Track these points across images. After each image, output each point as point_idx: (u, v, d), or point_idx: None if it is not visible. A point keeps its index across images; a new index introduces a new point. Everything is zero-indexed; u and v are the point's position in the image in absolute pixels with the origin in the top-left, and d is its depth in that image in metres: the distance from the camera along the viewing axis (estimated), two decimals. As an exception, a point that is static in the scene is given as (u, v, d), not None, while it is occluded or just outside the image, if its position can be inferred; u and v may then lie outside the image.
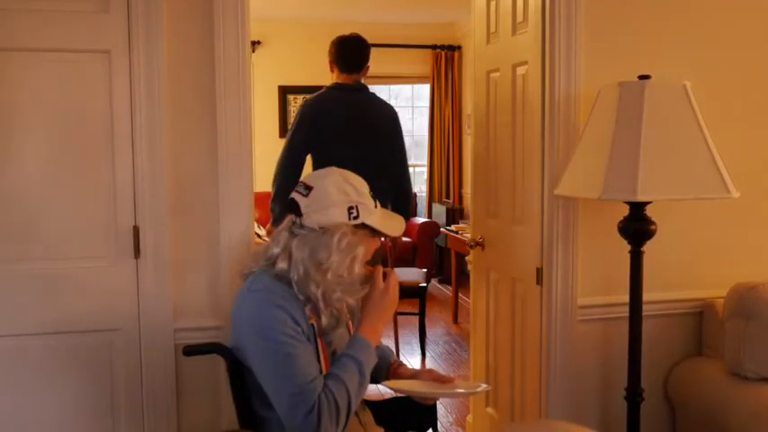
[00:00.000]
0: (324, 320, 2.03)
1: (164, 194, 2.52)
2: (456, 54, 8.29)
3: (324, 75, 7.34)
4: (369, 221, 2.03)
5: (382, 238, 2.15)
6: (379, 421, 2.26)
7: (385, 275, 2.09)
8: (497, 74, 3.27)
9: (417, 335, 5.62)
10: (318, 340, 2.01)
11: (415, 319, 5.68)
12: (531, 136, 2.94)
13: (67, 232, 2.49)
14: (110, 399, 2.56)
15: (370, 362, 2.01)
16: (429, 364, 5.22)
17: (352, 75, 3.80)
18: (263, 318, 1.93)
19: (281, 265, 1.99)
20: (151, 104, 2.48)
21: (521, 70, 3.02)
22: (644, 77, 2.48)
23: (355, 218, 2.00)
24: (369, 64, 3.84)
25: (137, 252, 2.52)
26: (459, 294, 6.55)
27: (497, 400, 3.39)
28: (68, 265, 2.49)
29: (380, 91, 8.87)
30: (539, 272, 2.90)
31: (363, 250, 2.02)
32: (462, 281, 6.63)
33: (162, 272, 2.54)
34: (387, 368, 2.31)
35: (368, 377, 2.00)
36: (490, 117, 3.37)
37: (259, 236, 5.13)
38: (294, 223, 2.03)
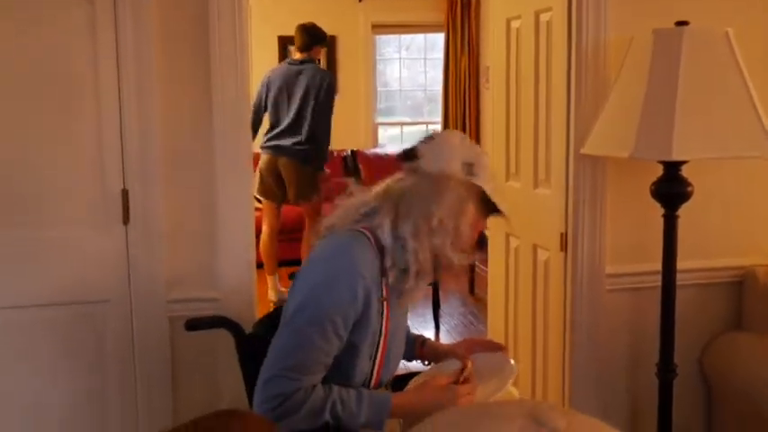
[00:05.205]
0: (403, 284, 1.97)
1: (155, 155, 2.51)
2: (473, 0, 8.18)
3: (330, 23, 7.36)
4: (482, 184, 1.99)
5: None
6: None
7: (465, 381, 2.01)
8: (519, 21, 3.27)
9: (431, 306, 5.61)
10: (384, 305, 1.96)
11: (428, 290, 5.68)
12: (555, 90, 2.93)
13: (49, 196, 2.47)
14: (100, 375, 2.57)
15: (372, 418, 1.92)
16: (443, 338, 5.23)
17: (303, 53, 5.56)
18: (326, 290, 1.87)
19: (382, 220, 1.94)
20: (139, 57, 2.46)
21: (544, 17, 3.01)
22: (681, 24, 2.45)
23: (470, 175, 1.97)
24: (318, 46, 5.65)
25: (126, 217, 2.51)
26: (476, 262, 6.53)
27: (518, 377, 3.38)
28: (51, 232, 2.48)
29: (390, 41, 8.78)
30: (563, 237, 2.89)
31: (473, 211, 1.99)
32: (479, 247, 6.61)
33: (153, 239, 2.53)
34: (412, 343, 2.30)
35: (356, 426, 1.92)
36: (511, 69, 3.37)
37: (259, 200, 5.23)
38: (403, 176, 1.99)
